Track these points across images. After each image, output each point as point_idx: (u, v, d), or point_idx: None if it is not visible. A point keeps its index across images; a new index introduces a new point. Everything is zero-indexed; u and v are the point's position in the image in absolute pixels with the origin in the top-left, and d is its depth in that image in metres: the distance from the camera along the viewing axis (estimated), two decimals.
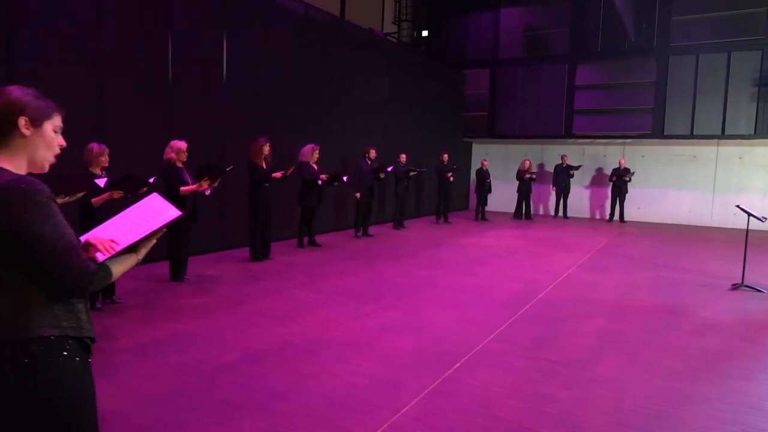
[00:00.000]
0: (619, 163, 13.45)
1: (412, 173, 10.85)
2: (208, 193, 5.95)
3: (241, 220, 7.66)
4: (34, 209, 1.34)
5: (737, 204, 6.95)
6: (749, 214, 6.18)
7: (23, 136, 1.44)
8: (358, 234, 9.68)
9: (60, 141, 1.53)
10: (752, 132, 12.35)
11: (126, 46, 6.42)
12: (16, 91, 1.46)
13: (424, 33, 16.19)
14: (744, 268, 6.30)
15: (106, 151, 4.78)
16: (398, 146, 11.44)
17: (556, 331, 4.50)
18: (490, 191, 13.20)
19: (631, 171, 13.14)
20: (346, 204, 10.34)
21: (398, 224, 11.04)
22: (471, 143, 16.20)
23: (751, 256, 6.67)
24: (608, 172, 14.15)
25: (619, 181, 13.18)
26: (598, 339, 4.35)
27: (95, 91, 6.12)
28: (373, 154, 9.67)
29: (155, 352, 3.77)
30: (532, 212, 13.98)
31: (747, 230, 6.38)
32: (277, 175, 7.34)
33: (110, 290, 4.94)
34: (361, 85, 10.78)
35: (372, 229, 10.05)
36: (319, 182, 8.24)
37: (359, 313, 4.88)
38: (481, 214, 13.20)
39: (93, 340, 1.51)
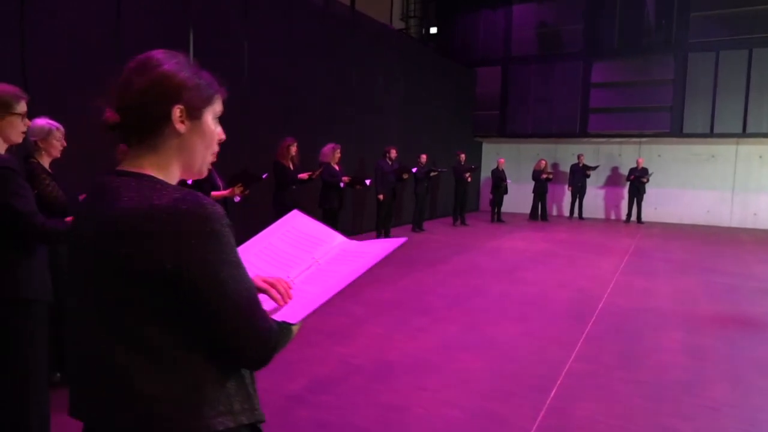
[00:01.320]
0: (637, 162, 13.14)
1: (432, 173, 10.45)
2: (237, 199, 5.50)
3: (262, 224, 7.21)
4: (211, 244, 0.89)
5: None
6: None
7: (177, 134, 1.00)
8: (380, 238, 9.25)
9: (220, 134, 1.08)
10: None
11: (145, 42, 5.95)
12: (168, 62, 0.98)
13: (433, 30, 15.80)
14: None
15: None
16: (411, 145, 11.05)
17: (639, 347, 4.12)
18: (506, 192, 12.83)
19: (650, 172, 12.84)
20: (363, 206, 9.93)
21: (418, 227, 10.64)
22: (481, 143, 15.85)
23: None
24: (623, 171, 13.87)
25: (637, 181, 12.88)
26: (687, 356, 3.97)
27: None
28: (393, 154, 9.26)
29: None
30: (547, 213, 13.66)
31: None
32: (303, 176, 6.91)
33: None
34: (377, 82, 10.36)
35: (392, 232, 9.64)
36: (341, 185, 7.82)
37: (414, 328, 4.47)
38: (497, 216, 12.84)
39: (263, 421, 1.09)
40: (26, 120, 2.00)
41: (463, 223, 11.95)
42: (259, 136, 7.44)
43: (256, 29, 7.45)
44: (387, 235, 9.36)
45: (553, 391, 3.28)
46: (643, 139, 13.73)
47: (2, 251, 1.91)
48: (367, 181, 8.18)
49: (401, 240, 1.11)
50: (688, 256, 8.41)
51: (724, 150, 12.98)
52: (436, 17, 15.70)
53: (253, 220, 7.43)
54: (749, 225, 12.82)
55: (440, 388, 3.29)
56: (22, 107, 1.98)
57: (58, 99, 5.15)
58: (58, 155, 3.20)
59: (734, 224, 12.98)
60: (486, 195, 14.65)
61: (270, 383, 3.27)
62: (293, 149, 6.77)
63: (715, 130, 12.66)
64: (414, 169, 9.59)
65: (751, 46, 12.07)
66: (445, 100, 13.37)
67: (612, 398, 3.20)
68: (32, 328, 1.95)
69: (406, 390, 3.26)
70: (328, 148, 7.77)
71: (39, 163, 3.09)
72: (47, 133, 3.08)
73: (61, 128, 3.16)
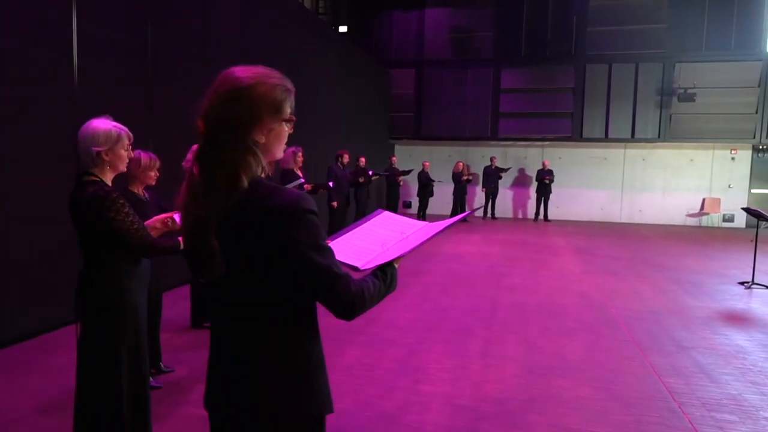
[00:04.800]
0: (543, 164, 14.04)
1: (375, 177, 10.06)
2: None
3: None
4: None
5: (743, 207, 7.39)
6: (760, 216, 6.57)
7: None
8: None
9: None
10: (657, 136, 13.71)
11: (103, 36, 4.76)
12: None
13: (343, 29, 15.32)
14: (754, 266, 6.74)
15: (158, 163, 3.37)
16: (335, 146, 10.50)
17: (710, 354, 4.20)
18: (432, 194, 12.87)
19: (554, 174, 13.81)
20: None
21: None
22: (393, 144, 15.76)
23: (711, 251, 7.14)
24: (529, 173, 14.76)
25: (542, 182, 13.78)
26: (761, 350, 4.14)
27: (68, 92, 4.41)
28: (346, 158, 8.71)
29: None
30: None
31: (757, 231, 6.84)
32: (307, 187, 6.25)
33: (157, 356, 3.51)
34: (301, 75, 9.55)
35: None
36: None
37: (477, 354, 4.11)
38: (422, 218, 12.82)
39: None
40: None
41: None
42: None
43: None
44: None
45: (687, 417, 3.16)
46: (546, 143, 14.69)
47: (298, 351, 1.23)
48: (330, 183, 7.60)
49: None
50: (628, 253, 9.08)
51: (615, 153, 14.39)
52: (347, 16, 15.25)
53: None
54: (636, 221, 14.36)
55: (578, 426, 2.99)
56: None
57: (5, 92, 3.89)
58: (125, 169, 2.32)
59: (623, 220, 14.45)
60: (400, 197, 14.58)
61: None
62: (300, 157, 6.12)
63: (610, 135, 13.98)
64: (370, 172, 9.12)
65: (638, 60, 13.52)
66: (365, 100, 13.00)
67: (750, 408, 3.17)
68: None
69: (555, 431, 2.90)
70: (287, 153, 7.00)
71: (104, 182, 2.20)
72: (116, 141, 2.20)
73: (130, 134, 2.28)
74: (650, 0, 13.32)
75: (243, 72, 1.23)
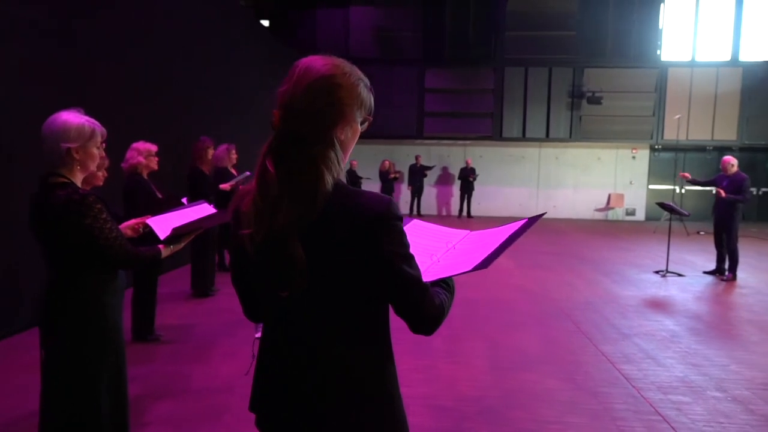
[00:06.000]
0: (466, 163, 14.49)
1: None
2: None
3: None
4: None
5: (657, 201, 8.01)
6: (672, 210, 7.18)
7: None
8: None
9: None
10: (568, 136, 14.60)
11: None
12: None
13: (264, 23, 14.84)
14: (668, 257, 7.35)
15: (106, 162, 3.03)
16: (261, 144, 10.16)
17: (664, 348, 4.51)
18: None
19: (476, 172, 14.30)
20: None
21: None
22: None
23: (621, 243, 7.77)
24: (453, 171, 15.17)
25: (466, 179, 14.23)
26: (684, 330, 4.49)
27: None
28: None
29: None
30: None
31: (670, 224, 7.46)
32: (225, 186, 5.84)
33: None
34: (222, 69, 9.13)
35: None
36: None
37: (445, 352, 4.14)
38: None
39: None
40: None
41: None
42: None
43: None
44: None
45: (648, 401, 3.36)
46: (468, 142, 15.17)
47: (376, 368, 1.15)
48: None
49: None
50: (552, 247, 9.58)
51: (531, 152, 15.16)
52: (270, 11, 14.80)
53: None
54: (551, 216, 15.20)
55: (559, 417, 3.08)
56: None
57: None
58: (95, 169, 2.06)
59: None
60: None
61: None
62: (210, 152, 5.66)
63: (526, 135, 14.69)
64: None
65: (551, 65, 14.32)
66: None
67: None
68: None
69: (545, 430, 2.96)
70: (221, 150, 6.63)
71: (75, 183, 1.93)
72: (89, 137, 1.94)
73: (104, 130, 2.02)
74: (561, 8, 14.16)
75: (325, 62, 1.13)
